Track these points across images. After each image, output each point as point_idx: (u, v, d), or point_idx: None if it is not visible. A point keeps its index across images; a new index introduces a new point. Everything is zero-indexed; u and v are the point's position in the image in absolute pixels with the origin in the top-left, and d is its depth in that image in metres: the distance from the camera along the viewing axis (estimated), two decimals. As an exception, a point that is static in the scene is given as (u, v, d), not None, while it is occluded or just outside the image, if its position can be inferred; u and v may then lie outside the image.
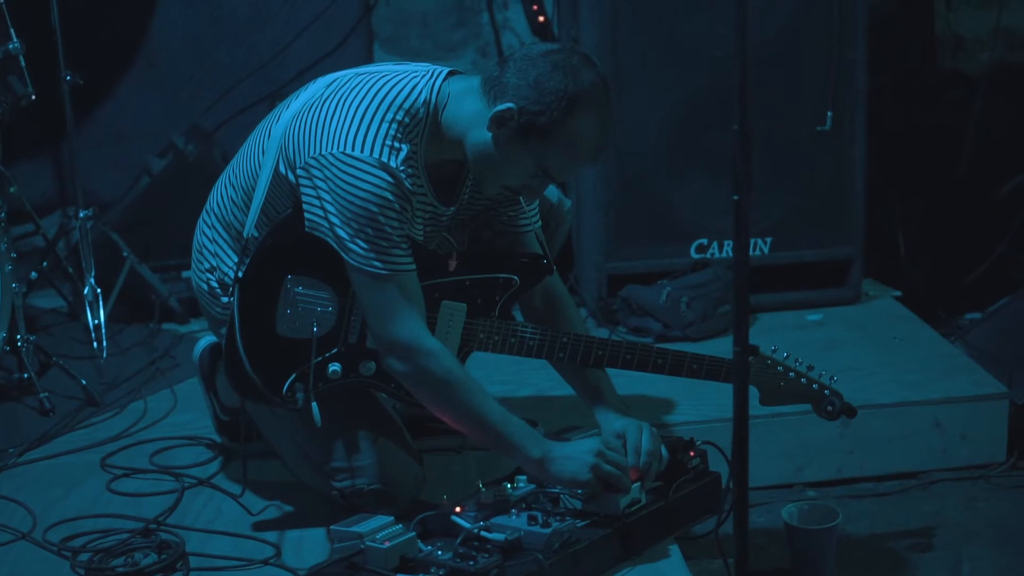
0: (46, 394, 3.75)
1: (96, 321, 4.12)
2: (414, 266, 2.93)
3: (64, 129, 4.25)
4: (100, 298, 4.15)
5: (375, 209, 2.85)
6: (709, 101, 4.18)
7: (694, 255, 4.36)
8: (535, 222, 3.20)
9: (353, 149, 2.86)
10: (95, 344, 4.09)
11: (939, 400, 3.70)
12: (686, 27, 4.20)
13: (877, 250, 4.63)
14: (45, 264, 4.30)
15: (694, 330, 4.15)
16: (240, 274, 3.03)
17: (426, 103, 2.93)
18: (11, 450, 3.52)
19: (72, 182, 4.33)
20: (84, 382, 3.83)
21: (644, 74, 4.24)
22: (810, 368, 3.11)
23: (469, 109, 2.93)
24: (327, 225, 2.89)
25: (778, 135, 4.25)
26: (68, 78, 4.17)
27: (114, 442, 3.59)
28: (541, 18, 4.84)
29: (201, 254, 3.25)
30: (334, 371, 3.02)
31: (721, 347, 2.78)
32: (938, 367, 3.91)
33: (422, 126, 2.93)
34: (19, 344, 3.79)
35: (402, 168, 2.87)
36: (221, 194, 3.22)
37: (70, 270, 4.29)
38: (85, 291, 4.15)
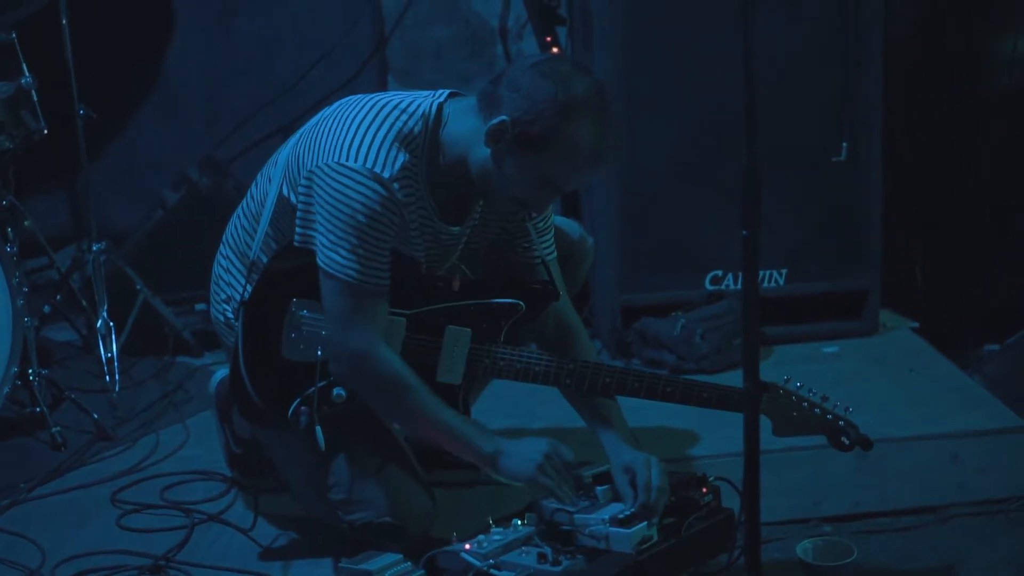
0: (58, 428, 3.75)
1: (109, 354, 4.12)
2: (387, 283, 2.93)
3: (78, 162, 4.26)
4: (113, 331, 4.15)
5: (361, 219, 2.86)
6: (722, 131, 4.15)
7: (709, 287, 4.33)
8: (548, 253, 3.19)
9: (347, 159, 2.88)
10: (108, 378, 4.08)
11: (957, 434, 3.65)
12: (698, 56, 4.18)
13: (895, 281, 4.60)
14: (59, 297, 4.31)
15: (709, 362, 4.13)
16: (245, 296, 3.03)
17: (424, 117, 2.94)
18: (22, 485, 3.51)
19: (86, 215, 4.33)
20: (96, 416, 3.83)
21: (657, 104, 4.23)
22: (824, 399, 3.07)
23: (467, 127, 2.94)
24: (313, 234, 2.92)
25: (793, 165, 4.23)
26: (82, 112, 4.19)
27: (125, 477, 3.58)
28: (555, 49, 4.84)
29: (218, 285, 3.27)
30: (339, 395, 3.02)
31: (736, 380, 2.77)
32: (955, 400, 3.87)
33: (421, 139, 2.94)
34: (31, 378, 3.78)
35: (397, 177, 2.88)
36: (235, 225, 3.24)
37: (84, 303, 4.28)
38: (98, 324, 4.14)
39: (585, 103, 2.84)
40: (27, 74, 3.92)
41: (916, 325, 4.51)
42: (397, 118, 2.93)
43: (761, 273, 4.16)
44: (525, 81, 2.86)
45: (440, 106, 2.96)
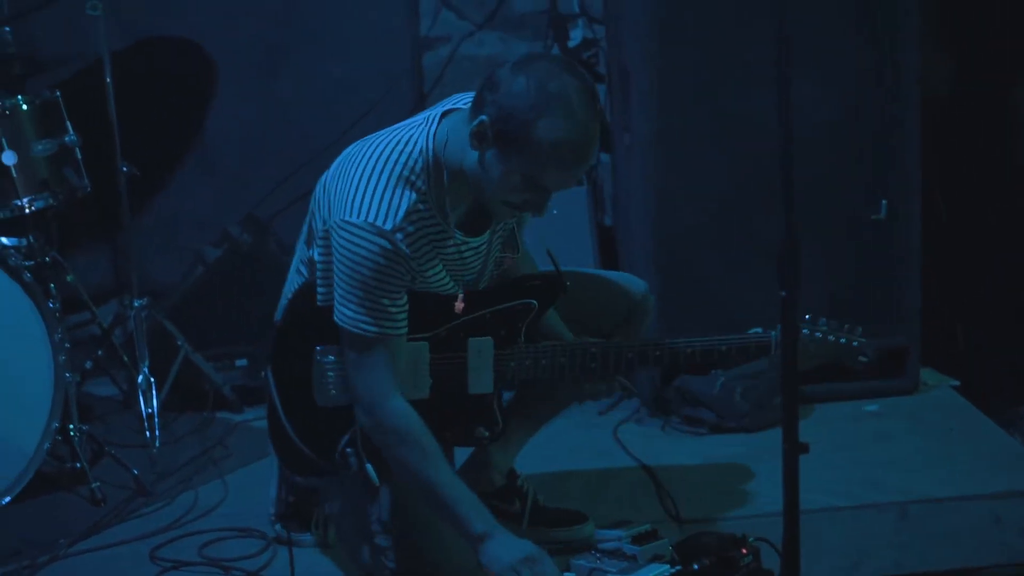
0: (97, 484, 3.75)
1: (149, 410, 4.13)
2: (401, 331, 2.95)
3: (120, 219, 4.30)
4: (154, 387, 4.17)
5: (366, 272, 2.88)
6: (760, 188, 4.14)
7: (748, 344, 4.31)
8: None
9: (350, 215, 2.90)
10: (148, 433, 4.10)
11: (999, 494, 3.61)
12: (737, 111, 4.18)
13: (935, 339, 4.56)
14: (101, 352, 4.33)
15: (750, 420, 4.10)
16: (270, 356, 3.06)
17: (423, 151, 2.95)
18: (61, 541, 3.51)
19: (128, 271, 4.36)
20: (136, 472, 3.83)
21: (694, 161, 4.23)
22: (842, 327, 3.13)
23: (462, 137, 2.93)
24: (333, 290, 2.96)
25: (832, 222, 4.21)
26: (125, 169, 4.23)
27: (164, 533, 3.57)
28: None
29: None
30: None
31: (776, 438, 2.76)
32: (998, 460, 3.83)
33: (425, 173, 2.94)
34: (72, 433, 3.80)
35: (401, 225, 2.89)
36: (289, 280, 3.27)
37: (125, 359, 4.31)
38: (139, 379, 4.17)
39: (558, 98, 2.80)
40: (71, 132, 3.96)
41: (957, 383, 4.47)
42: (396, 159, 2.93)
43: (801, 331, 4.16)
44: (503, 80, 2.84)
45: (436, 131, 2.97)
